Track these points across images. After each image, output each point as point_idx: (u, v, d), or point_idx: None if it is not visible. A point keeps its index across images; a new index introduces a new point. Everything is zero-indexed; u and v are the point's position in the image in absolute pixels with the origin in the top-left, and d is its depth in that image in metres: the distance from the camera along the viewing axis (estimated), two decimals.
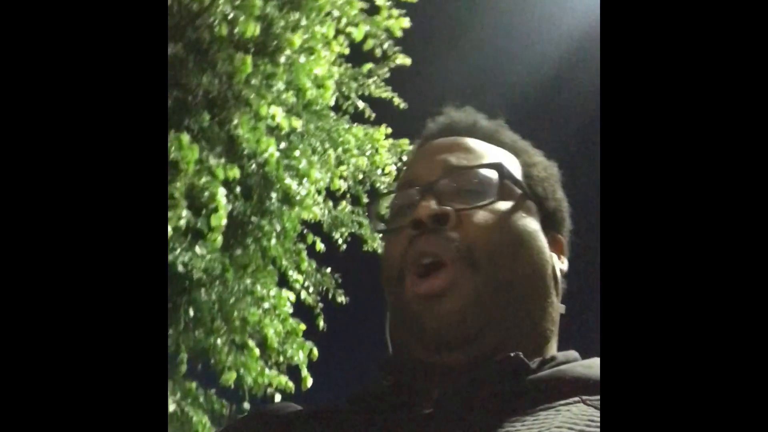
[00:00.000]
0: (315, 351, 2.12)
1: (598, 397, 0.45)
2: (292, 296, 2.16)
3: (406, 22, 2.75)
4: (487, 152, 0.56)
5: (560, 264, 0.56)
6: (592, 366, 0.48)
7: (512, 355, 0.47)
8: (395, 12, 2.71)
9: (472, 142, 0.57)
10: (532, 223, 0.54)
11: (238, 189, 2.49)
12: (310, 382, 2.05)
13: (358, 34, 2.39)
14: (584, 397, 0.45)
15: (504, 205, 0.52)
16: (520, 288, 0.51)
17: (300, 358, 2.03)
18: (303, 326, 2.10)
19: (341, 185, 2.65)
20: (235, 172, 1.82)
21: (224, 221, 1.65)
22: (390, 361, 0.54)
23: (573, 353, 0.52)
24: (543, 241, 0.55)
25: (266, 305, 2.02)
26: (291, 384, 2.17)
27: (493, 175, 0.53)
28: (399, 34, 2.73)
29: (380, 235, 0.66)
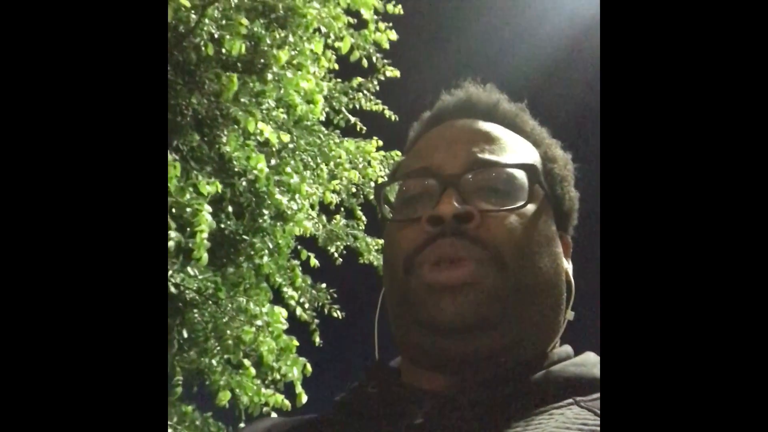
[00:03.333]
0: (309, 367, 2.10)
1: (593, 396, 0.44)
2: (285, 313, 2.15)
3: (393, 35, 2.78)
4: (512, 145, 0.53)
5: (569, 266, 0.54)
6: (585, 363, 0.48)
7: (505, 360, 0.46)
8: (382, 25, 2.73)
9: (496, 130, 0.54)
10: (552, 227, 0.52)
11: (229, 208, 2.49)
12: (305, 398, 2.04)
13: (344, 46, 2.40)
14: (578, 399, 0.44)
15: (530, 209, 0.50)
16: (539, 292, 0.49)
17: (294, 374, 2.01)
18: (296, 343, 2.09)
19: (333, 199, 2.65)
20: (217, 186, 1.82)
21: (206, 234, 1.65)
22: (376, 366, 0.53)
23: (566, 349, 0.51)
24: (559, 245, 0.53)
25: (259, 323, 2.01)
26: (287, 402, 2.15)
27: (522, 176, 0.50)
28: (386, 46, 2.75)
29: (387, 222, 0.54)
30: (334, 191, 2.80)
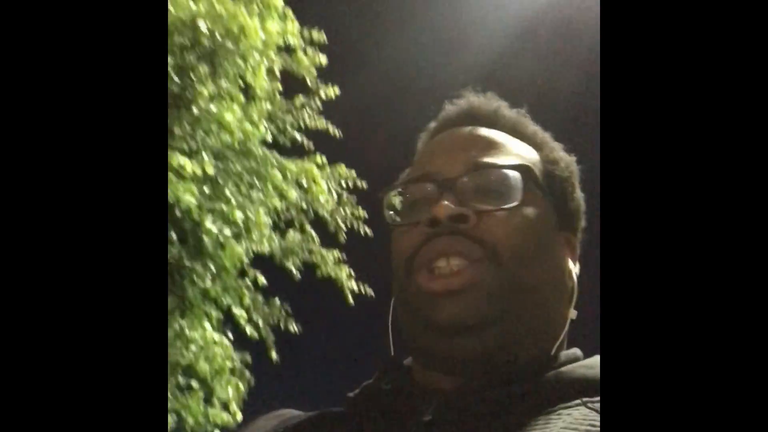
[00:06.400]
0: (241, 386, 2.20)
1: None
2: (216, 335, 2.25)
3: (323, 59, 2.90)
4: (511, 148, 0.55)
5: (574, 268, 0.55)
6: (593, 366, 0.48)
7: (512, 359, 0.48)
8: (310, 50, 2.86)
9: (494, 135, 0.56)
10: (551, 227, 0.54)
11: (173, 235, 2.59)
12: (240, 416, 2.14)
13: (257, 81, 2.52)
14: (586, 400, 0.45)
15: (526, 209, 0.51)
16: (539, 291, 0.51)
17: (229, 394, 2.11)
18: (229, 363, 2.19)
19: (265, 220, 2.76)
20: None
21: None
22: (390, 363, 0.54)
23: (575, 352, 0.52)
24: (561, 245, 0.55)
25: (193, 347, 2.11)
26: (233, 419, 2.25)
27: (517, 176, 0.52)
28: (314, 72, 2.87)
29: (393, 227, 0.56)
30: (276, 211, 2.89)
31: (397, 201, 0.55)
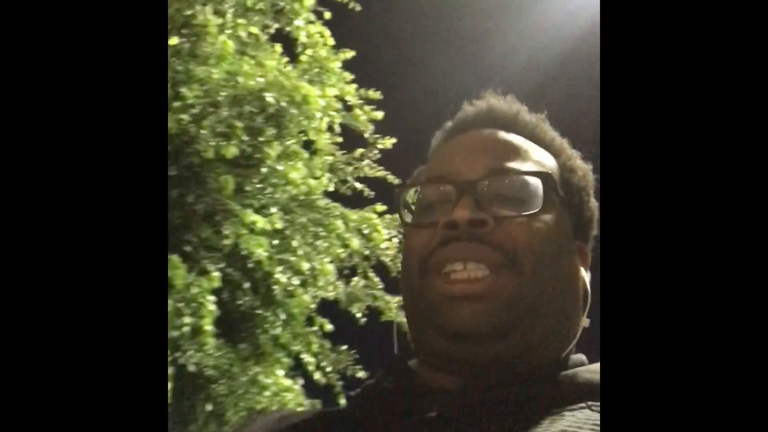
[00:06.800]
0: None
1: None
2: (287, 381, 2.36)
3: (379, 114, 3.09)
4: (531, 154, 0.55)
5: (586, 276, 0.56)
6: (597, 371, 0.49)
7: (518, 362, 0.48)
8: (367, 108, 3.06)
9: (514, 140, 0.55)
10: (568, 236, 0.54)
11: (247, 284, 2.77)
12: None
13: (319, 136, 2.71)
14: (590, 403, 0.46)
15: (545, 216, 0.51)
16: (555, 300, 0.51)
17: None
18: (300, 410, 2.29)
19: (331, 270, 2.89)
20: (215, 280, 2.09)
21: (209, 327, 1.90)
22: (394, 362, 0.54)
23: (580, 357, 0.53)
24: (575, 254, 0.55)
25: (267, 393, 2.22)
26: None
27: (537, 183, 0.51)
28: (370, 127, 3.05)
29: (406, 225, 0.55)
30: (337, 260, 3.02)
31: (413, 200, 0.55)
